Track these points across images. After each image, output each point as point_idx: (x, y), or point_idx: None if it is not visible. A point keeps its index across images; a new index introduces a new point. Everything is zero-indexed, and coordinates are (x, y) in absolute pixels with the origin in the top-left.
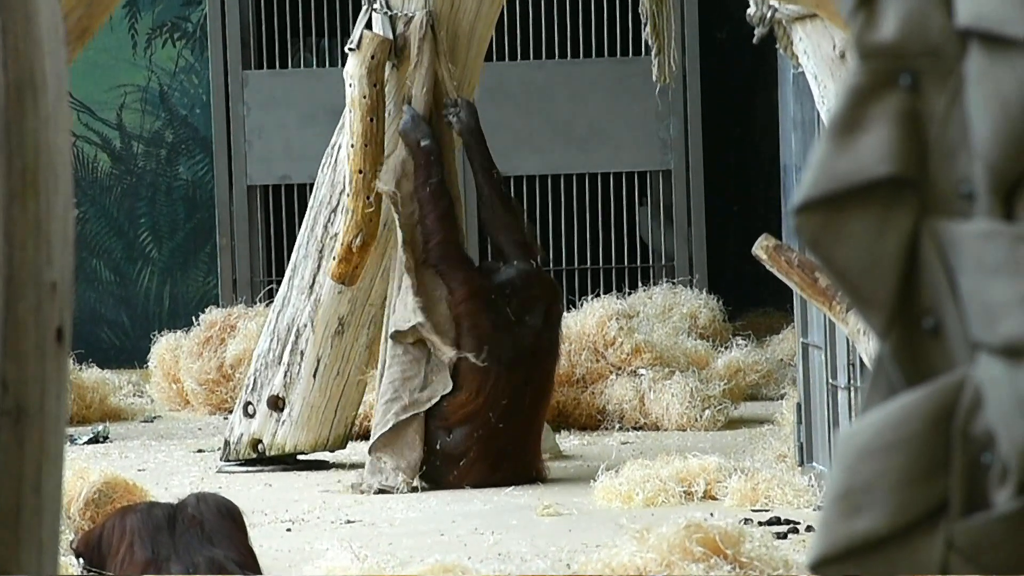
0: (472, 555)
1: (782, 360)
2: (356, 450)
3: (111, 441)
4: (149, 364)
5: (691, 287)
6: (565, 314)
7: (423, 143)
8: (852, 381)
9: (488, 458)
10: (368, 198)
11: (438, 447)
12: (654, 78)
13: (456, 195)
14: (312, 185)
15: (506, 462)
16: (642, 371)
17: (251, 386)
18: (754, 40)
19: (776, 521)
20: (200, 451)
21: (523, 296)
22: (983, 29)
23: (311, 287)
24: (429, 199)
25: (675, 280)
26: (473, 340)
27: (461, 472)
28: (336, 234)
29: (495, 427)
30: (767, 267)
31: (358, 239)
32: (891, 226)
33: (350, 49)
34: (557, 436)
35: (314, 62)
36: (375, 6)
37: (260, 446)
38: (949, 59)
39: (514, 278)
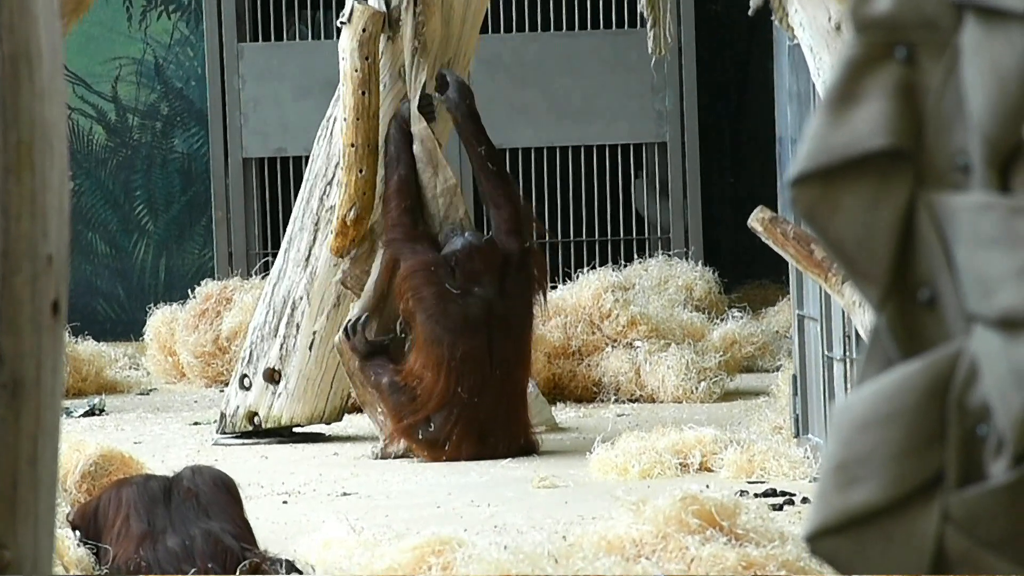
0: (468, 527)
1: (778, 332)
2: (352, 422)
3: (107, 414)
4: (145, 337)
5: (687, 259)
6: (560, 287)
7: (397, 119)
8: (848, 353)
9: (471, 436)
10: (361, 171)
11: (420, 438)
12: (649, 50)
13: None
14: (308, 158)
15: (490, 436)
16: (638, 343)
17: (247, 359)
18: (749, 12)
19: (772, 493)
20: (196, 424)
21: (465, 269)
22: (978, 1)
23: (307, 259)
24: (386, 175)
25: (671, 252)
26: (420, 313)
27: (449, 455)
28: (332, 207)
29: (470, 403)
30: (763, 239)
31: (352, 212)
32: (887, 198)
33: (342, 23)
34: (553, 408)
35: (309, 35)
36: None
37: (256, 419)
38: (945, 31)
39: (457, 251)
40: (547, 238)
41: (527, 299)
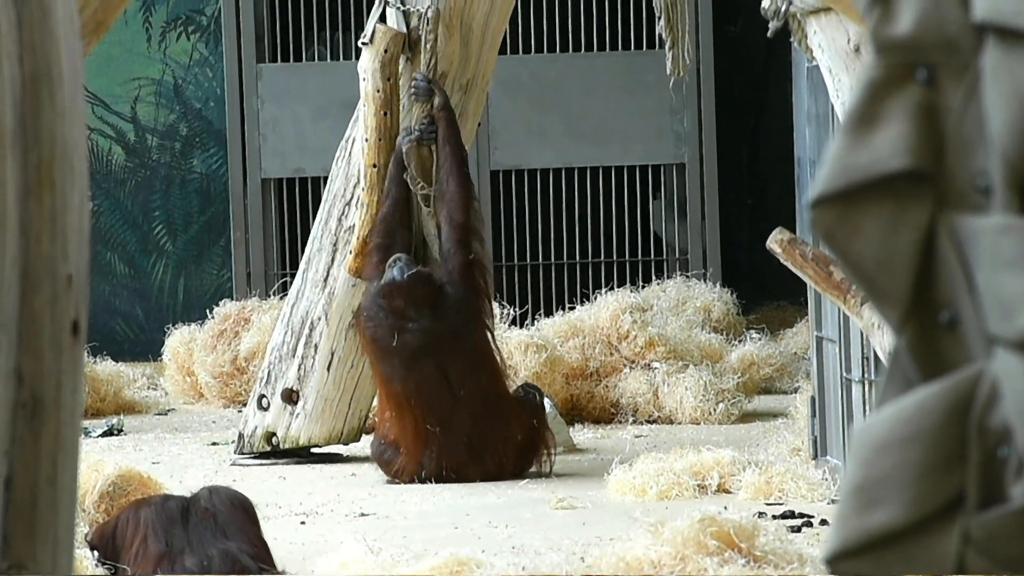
0: (486, 548)
1: (796, 354)
2: (370, 443)
3: (125, 434)
4: (163, 357)
5: (705, 280)
6: (578, 308)
7: (402, 139)
8: (866, 375)
9: (461, 461)
10: (383, 192)
11: (417, 480)
12: (668, 71)
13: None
14: (326, 178)
15: (480, 456)
16: (656, 364)
17: (265, 379)
18: (768, 33)
19: (790, 515)
20: (214, 444)
21: (390, 308)
22: (1000, 23)
23: (325, 280)
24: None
25: (689, 273)
26: (369, 356)
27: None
28: (351, 227)
29: (444, 432)
30: (781, 261)
31: (372, 233)
32: (907, 220)
33: (363, 43)
34: (571, 429)
35: (328, 56)
36: (389, 0)
37: (274, 439)
38: (966, 53)
39: (381, 288)
40: (564, 258)
41: (473, 312)
